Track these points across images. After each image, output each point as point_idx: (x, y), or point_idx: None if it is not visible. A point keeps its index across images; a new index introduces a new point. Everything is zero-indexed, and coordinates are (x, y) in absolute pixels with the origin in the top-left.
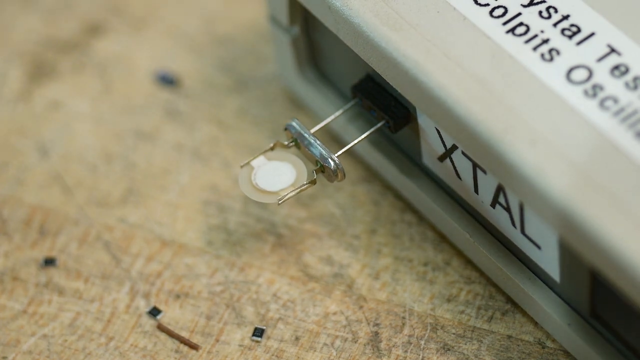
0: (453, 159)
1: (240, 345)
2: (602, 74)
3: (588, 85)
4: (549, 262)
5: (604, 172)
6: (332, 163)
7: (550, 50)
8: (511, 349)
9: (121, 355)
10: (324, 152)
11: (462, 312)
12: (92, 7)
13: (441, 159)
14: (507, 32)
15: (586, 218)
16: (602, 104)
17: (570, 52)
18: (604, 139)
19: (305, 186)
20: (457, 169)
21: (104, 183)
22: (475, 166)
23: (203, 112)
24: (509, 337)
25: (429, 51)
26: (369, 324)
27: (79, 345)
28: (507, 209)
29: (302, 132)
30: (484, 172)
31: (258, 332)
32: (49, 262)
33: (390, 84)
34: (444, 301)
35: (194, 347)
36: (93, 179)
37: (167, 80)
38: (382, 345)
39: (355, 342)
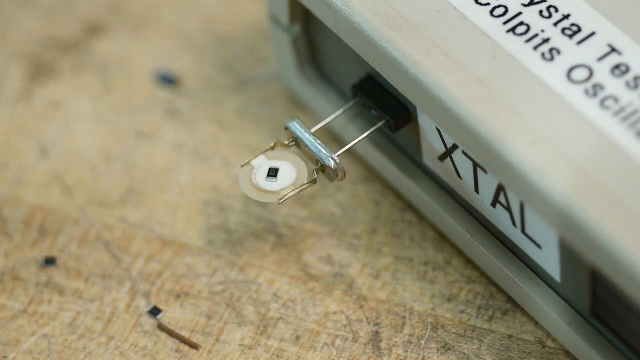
0: (453, 158)
1: (240, 345)
2: (602, 73)
3: (588, 85)
4: (550, 261)
5: (604, 172)
6: (332, 162)
7: (551, 50)
8: (511, 348)
9: (121, 354)
10: (324, 151)
11: (462, 311)
12: (92, 7)
13: (441, 158)
14: (508, 31)
15: (586, 217)
16: (602, 103)
17: (570, 52)
18: (604, 139)
19: (306, 185)
20: (458, 168)
21: (104, 183)
22: (475, 165)
23: (203, 112)
24: (510, 336)
25: (429, 50)
26: (369, 323)
27: (79, 345)
28: (508, 209)
29: (303, 131)
30: (485, 171)
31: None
32: (49, 261)
33: (391, 83)
34: (444, 300)
35: (194, 346)
36: (93, 179)
37: (167, 80)
38: (383, 344)
39: (356, 342)
